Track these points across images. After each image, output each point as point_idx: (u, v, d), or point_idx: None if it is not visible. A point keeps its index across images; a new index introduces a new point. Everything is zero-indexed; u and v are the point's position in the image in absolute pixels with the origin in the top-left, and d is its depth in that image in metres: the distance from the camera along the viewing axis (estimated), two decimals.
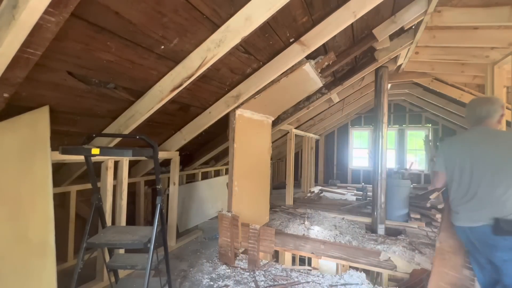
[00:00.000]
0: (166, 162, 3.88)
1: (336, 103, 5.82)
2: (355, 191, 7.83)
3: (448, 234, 2.27)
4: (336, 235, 4.13)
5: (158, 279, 2.08)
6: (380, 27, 3.03)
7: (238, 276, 2.83)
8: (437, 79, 5.08)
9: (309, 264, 3.90)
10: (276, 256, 3.96)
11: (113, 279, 2.22)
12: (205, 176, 5.23)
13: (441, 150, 2.06)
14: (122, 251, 2.62)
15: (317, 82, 3.50)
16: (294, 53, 2.61)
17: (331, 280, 2.76)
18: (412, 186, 6.69)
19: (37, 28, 1.18)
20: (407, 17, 2.87)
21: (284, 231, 4.15)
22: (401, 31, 3.44)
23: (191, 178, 4.88)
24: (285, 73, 2.94)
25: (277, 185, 8.18)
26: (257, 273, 2.88)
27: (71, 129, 2.28)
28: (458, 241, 2.16)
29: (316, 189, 8.05)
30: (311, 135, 7.68)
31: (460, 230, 1.93)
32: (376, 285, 2.70)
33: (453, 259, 2.22)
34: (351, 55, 3.37)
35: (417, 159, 9.05)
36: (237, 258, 3.21)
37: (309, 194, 7.21)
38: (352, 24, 2.51)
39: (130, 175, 3.25)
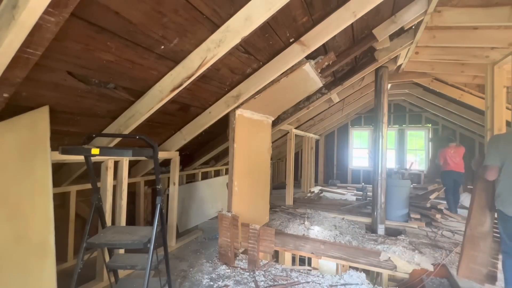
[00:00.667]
0: (166, 162, 3.88)
1: (336, 103, 5.82)
2: (355, 191, 7.83)
3: (477, 222, 2.58)
4: (336, 235, 4.13)
5: (158, 279, 2.08)
6: (380, 27, 3.03)
7: (238, 276, 2.83)
8: (437, 79, 5.08)
9: (309, 264, 3.90)
10: (276, 256, 3.95)
11: (113, 279, 2.22)
12: (205, 176, 5.23)
13: (495, 146, 2.25)
14: (122, 251, 2.62)
15: (317, 82, 3.50)
16: (294, 53, 2.61)
17: (331, 280, 2.76)
18: (412, 186, 6.69)
19: (37, 28, 1.18)
20: (407, 17, 2.87)
21: (284, 231, 4.15)
22: (401, 31, 3.44)
23: (191, 178, 4.88)
24: (285, 73, 2.94)
25: (277, 185, 8.18)
26: (257, 273, 2.88)
27: (71, 129, 2.28)
28: (486, 227, 2.55)
29: (316, 189, 8.05)
30: (311, 135, 7.68)
31: None
32: (376, 285, 2.70)
33: (482, 243, 2.56)
34: (351, 55, 3.37)
35: (417, 159, 9.05)
36: (237, 258, 3.21)
37: (309, 194, 7.21)
38: (352, 24, 2.51)
39: (130, 175, 3.25)
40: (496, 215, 2.43)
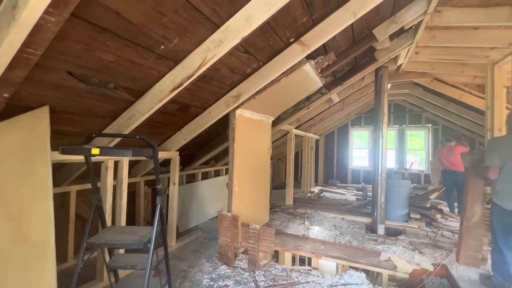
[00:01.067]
0: (166, 162, 3.88)
1: (336, 103, 5.82)
2: (355, 191, 7.83)
3: (472, 213, 2.98)
4: (336, 235, 4.13)
5: (158, 279, 2.08)
6: (380, 27, 3.03)
7: (238, 276, 2.83)
8: (437, 79, 5.09)
9: (309, 264, 3.90)
10: (276, 256, 3.96)
11: (113, 279, 2.22)
12: (205, 176, 5.23)
13: (496, 148, 2.45)
14: (122, 251, 2.62)
15: (317, 82, 3.50)
16: (294, 53, 2.61)
17: (331, 280, 2.76)
18: (412, 186, 6.69)
19: (37, 28, 1.18)
20: (407, 17, 2.87)
21: (284, 231, 4.15)
22: (401, 31, 3.44)
23: (191, 178, 4.88)
24: (285, 73, 2.94)
25: (277, 185, 8.18)
26: (257, 273, 2.88)
27: (71, 129, 2.28)
28: (479, 217, 2.95)
29: (316, 189, 8.05)
30: (311, 135, 7.68)
31: (510, 214, 2.32)
32: (376, 285, 2.70)
33: (476, 232, 2.96)
34: (351, 55, 3.37)
35: (417, 159, 9.05)
36: (237, 258, 3.21)
37: (309, 194, 7.21)
38: (352, 24, 2.51)
39: (130, 175, 3.25)
40: (490, 208, 2.64)
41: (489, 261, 2.72)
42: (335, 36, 2.57)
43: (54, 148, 1.87)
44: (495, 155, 2.42)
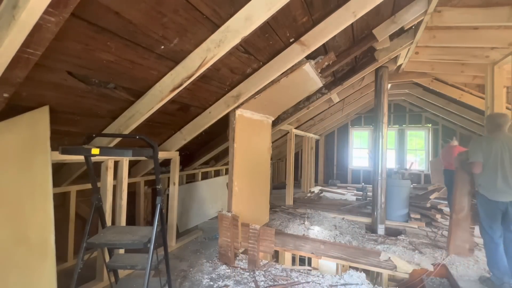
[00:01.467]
0: (166, 162, 3.88)
1: (336, 103, 5.82)
2: (355, 191, 7.83)
3: (460, 207, 3.29)
4: (336, 235, 4.13)
5: (158, 279, 2.08)
6: (380, 27, 3.03)
7: (238, 276, 2.83)
8: (437, 79, 5.09)
9: (309, 264, 3.90)
10: (276, 256, 3.96)
11: (113, 279, 2.22)
12: (205, 176, 5.23)
13: (479, 146, 2.71)
14: (122, 251, 2.62)
15: (317, 82, 3.50)
16: (294, 53, 2.61)
17: (331, 280, 2.76)
18: (412, 186, 6.68)
19: (37, 28, 1.18)
20: (407, 17, 2.87)
21: (284, 231, 4.15)
22: (401, 31, 3.44)
23: (191, 178, 4.88)
24: (285, 73, 2.93)
25: (277, 185, 8.18)
26: (257, 273, 2.88)
27: (71, 129, 2.28)
28: (466, 211, 3.25)
29: (316, 189, 8.05)
30: (311, 135, 7.68)
31: (495, 204, 2.56)
32: (376, 285, 2.70)
33: (464, 224, 3.27)
34: (351, 55, 3.37)
35: (417, 159, 9.05)
36: (237, 258, 3.21)
37: (309, 194, 7.21)
38: (352, 24, 2.51)
39: (130, 175, 3.25)
40: (476, 200, 2.87)
41: (485, 260, 2.74)
42: (335, 36, 2.57)
43: (54, 148, 1.86)
44: (478, 152, 2.69)
